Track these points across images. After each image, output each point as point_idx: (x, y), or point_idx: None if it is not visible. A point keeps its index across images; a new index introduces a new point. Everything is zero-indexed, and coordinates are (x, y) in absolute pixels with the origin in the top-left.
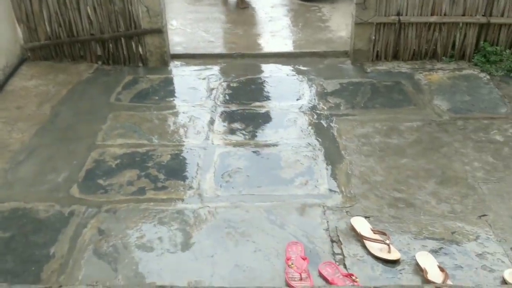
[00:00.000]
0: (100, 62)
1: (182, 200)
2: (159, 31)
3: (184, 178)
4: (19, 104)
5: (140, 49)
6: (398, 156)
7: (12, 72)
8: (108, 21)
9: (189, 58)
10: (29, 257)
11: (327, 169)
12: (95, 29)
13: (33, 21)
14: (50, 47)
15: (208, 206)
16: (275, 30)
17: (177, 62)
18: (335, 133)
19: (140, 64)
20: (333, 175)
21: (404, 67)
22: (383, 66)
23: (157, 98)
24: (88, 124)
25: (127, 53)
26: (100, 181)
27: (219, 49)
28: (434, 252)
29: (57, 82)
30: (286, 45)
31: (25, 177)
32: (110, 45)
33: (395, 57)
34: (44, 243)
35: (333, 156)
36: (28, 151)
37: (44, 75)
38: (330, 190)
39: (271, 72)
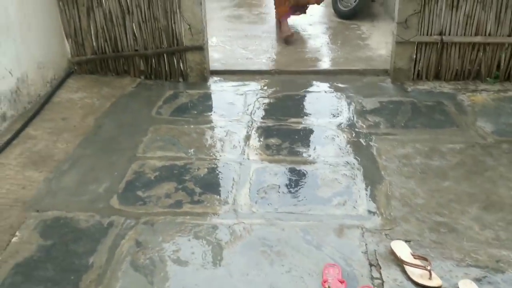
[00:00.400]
0: (142, 77)
1: (218, 215)
2: (200, 48)
3: (219, 193)
4: (64, 115)
5: (181, 65)
6: (440, 179)
7: (59, 85)
8: (152, 37)
9: (227, 74)
10: (68, 265)
11: (366, 189)
12: (139, 45)
13: (81, 36)
14: (96, 61)
15: (243, 223)
16: (314, 48)
17: (216, 78)
18: (375, 153)
19: (181, 79)
20: (372, 196)
21: (446, 87)
22: (424, 86)
23: (195, 112)
24: (129, 136)
25: (169, 68)
26: (139, 193)
27: (257, 65)
28: (478, 280)
29: (101, 95)
30: (324, 63)
31: (67, 186)
32: (153, 60)
33: (437, 77)
34: (83, 253)
35: (372, 176)
36: (71, 161)
37: (89, 88)
38: (369, 212)
39: (309, 89)
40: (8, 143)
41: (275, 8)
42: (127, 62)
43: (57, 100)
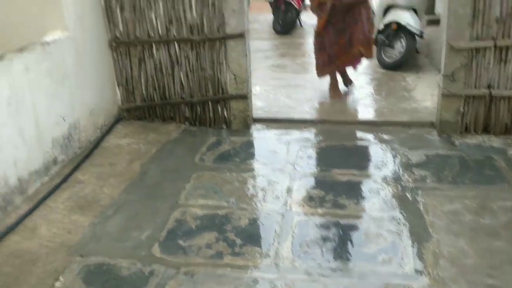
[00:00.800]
0: (187, 123)
1: (259, 268)
2: (244, 97)
3: (261, 245)
4: (112, 160)
5: (225, 113)
6: (491, 238)
7: (108, 130)
8: (198, 86)
9: (270, 122)
10: None
11: (412, 246)
12: (185, 93)
13: (131, 84)
14: (144, 108)
15: (285, 278)
16: (358, 98)
17: (258, 126)
18: (421, 208)
19: (224, 126)
20: (419, 254)
21: (495, 141)
22: (472, 140)
23: (238, 160)
24: (173, 183)
25: (213, 115)
26: (180, 242)
27: (300, 114)
28: None
29: (147, 141)
30: (368, 113)
31: (111, 232)
32: (198, 108)
33: (486, 130)
34: None
35: (419, 233)
36: (116, 206)
37: (137, 134)
38: (416, 271)
39: (353, 140)
40: (57, 186)
41: (330, 63)
42: (174, 109)
43: (106, 145)
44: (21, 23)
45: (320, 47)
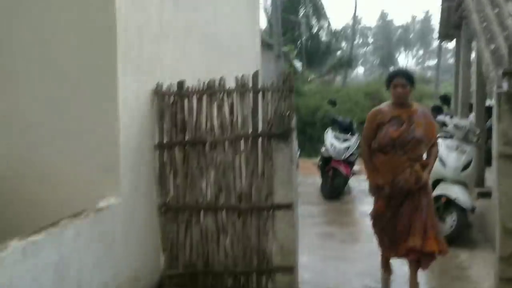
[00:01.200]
0: None
1: None
2: (290, 270)
3: None
4: None
5: (269, 286)
6: None
7: None
8: (243, 256)
9: None
10: None
11: None
12: (229, 262)
13: (176, 250)
14: (186, 276)
15: None
16: (408, 274)
17: None
18: None
19: None
20: None
21: None
22: None
23: None
24: None
25: None
26: None
27: None
28: None
29: None
30: None
31: None
32: (241, 279)
33: None
34: None
35: None
36: None
37: None
38: None
39: None
40: None
41: (390, 249)
42: (216, 278)
43: None
44: (78, 188)
45: (378, 231)
